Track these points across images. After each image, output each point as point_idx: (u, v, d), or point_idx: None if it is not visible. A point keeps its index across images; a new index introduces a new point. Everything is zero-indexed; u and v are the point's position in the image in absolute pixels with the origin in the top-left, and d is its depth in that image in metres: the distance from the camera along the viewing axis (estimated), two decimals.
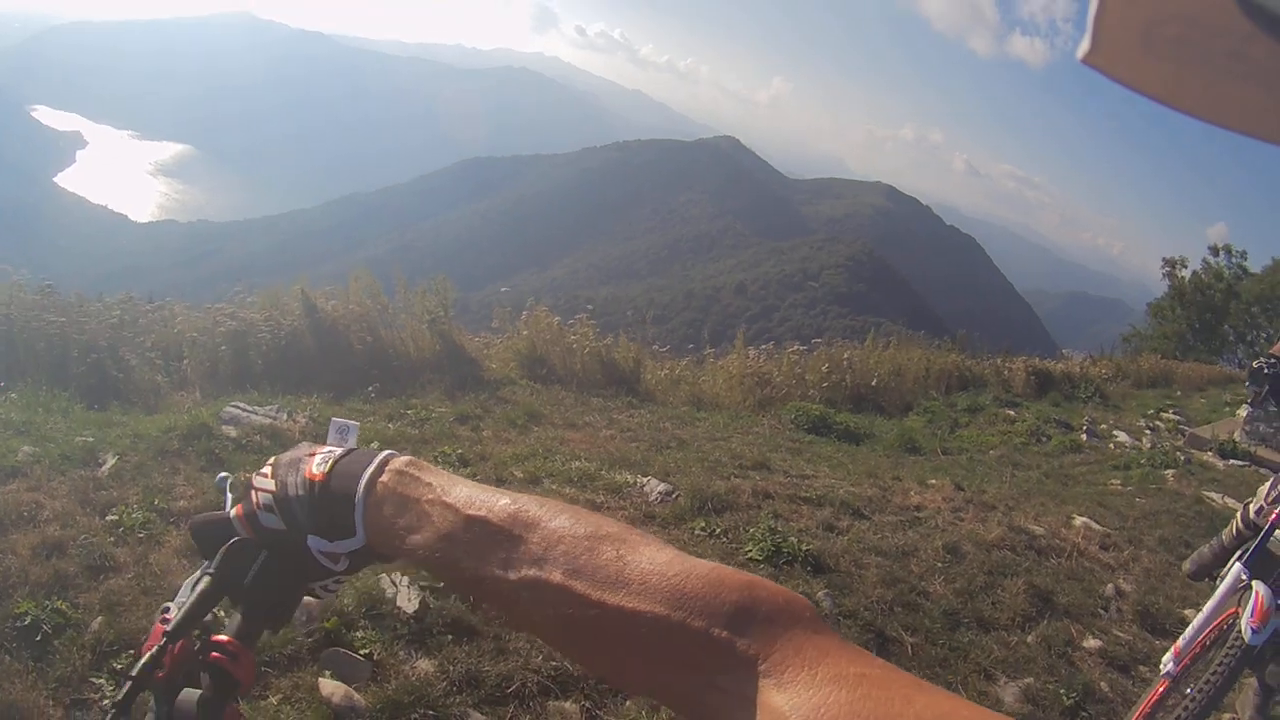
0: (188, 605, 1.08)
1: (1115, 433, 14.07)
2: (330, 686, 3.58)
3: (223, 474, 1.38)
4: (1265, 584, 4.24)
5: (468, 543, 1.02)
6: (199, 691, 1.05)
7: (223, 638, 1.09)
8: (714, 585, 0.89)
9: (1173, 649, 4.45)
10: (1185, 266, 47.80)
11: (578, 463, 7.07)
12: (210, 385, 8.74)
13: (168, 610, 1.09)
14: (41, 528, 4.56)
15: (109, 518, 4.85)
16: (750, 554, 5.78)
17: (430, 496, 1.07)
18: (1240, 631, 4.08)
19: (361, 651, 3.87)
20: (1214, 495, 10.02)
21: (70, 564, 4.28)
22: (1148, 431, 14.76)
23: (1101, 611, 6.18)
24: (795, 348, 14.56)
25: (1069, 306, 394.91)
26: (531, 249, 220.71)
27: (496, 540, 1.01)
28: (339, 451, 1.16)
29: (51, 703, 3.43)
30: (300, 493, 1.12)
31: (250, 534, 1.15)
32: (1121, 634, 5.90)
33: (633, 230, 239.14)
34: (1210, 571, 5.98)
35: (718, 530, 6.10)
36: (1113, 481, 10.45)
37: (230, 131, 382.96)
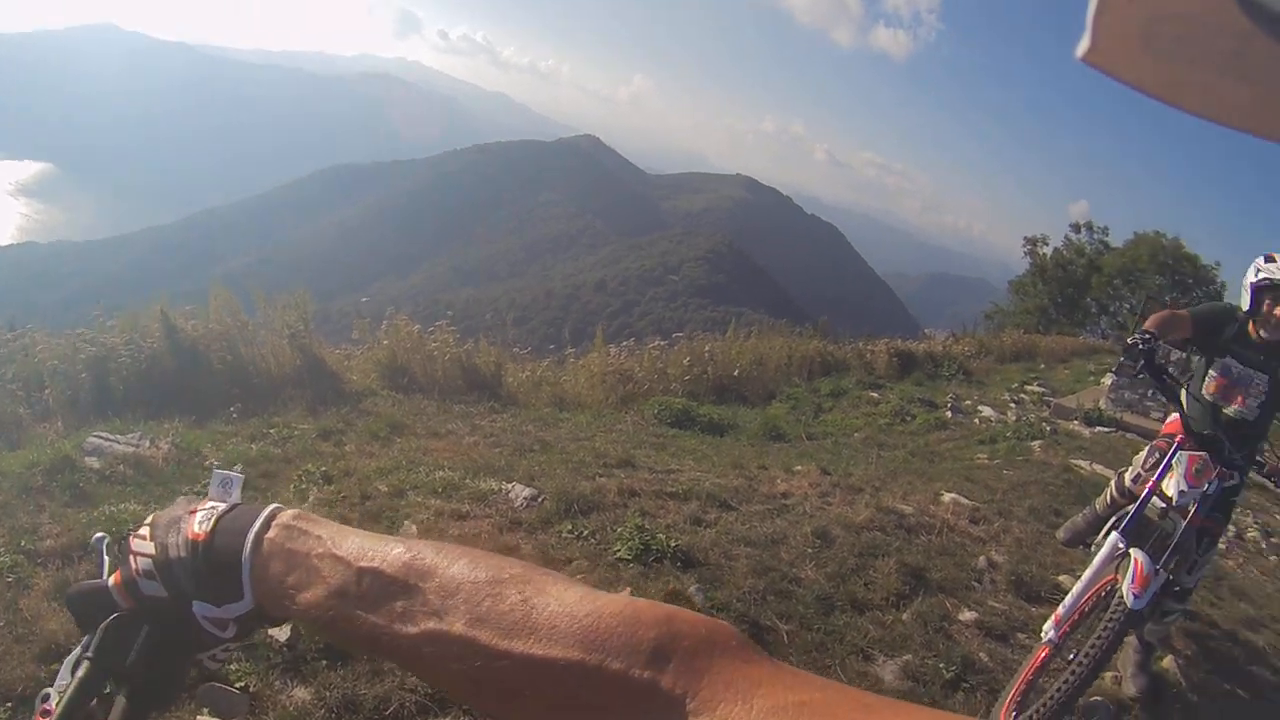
0: (67, 695, 1.00)
1: (980, 408, 14.33)
2: None
3: (99, 534, 1.23)
4: (1142, 550, 4.58)
5: (361, 597, 0.96)
6: None
7: None
8: (629, 622, 0.84)
9: (1053, 616, 4.58)
10: (1047, 244, 49.64)
11: (442, 472, 6.88)
12: (72, 415, 8.39)
13: (48, 699, 1.02)
14: None
15: None
16: (619, 553, 5.68)
17: (319, 550, 1.00)
18: (1122, 597, 4.38)
19: (238, 684, 3.73)
20: (1082, 463, 10.27)
21: None
22: (1012, 405, 15.08)
23: (975, 584, 6.29)
24: (656, 342, 14.50)
25: (931, 288, 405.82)
26: (392, 256, 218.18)
27: (391, 592, 0.94)
28: (222, 507, 1.08)
29: None
30: (182, 554, 1.03)
31: (130, 604, 1.05)
32: (997, 604, 6.03)
33: (493, 233, 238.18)
34: (1084, 539, 6.26)
35: (585, 532, 5.97)
36: (979, 456, 10.61)
37: (93, 148, 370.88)
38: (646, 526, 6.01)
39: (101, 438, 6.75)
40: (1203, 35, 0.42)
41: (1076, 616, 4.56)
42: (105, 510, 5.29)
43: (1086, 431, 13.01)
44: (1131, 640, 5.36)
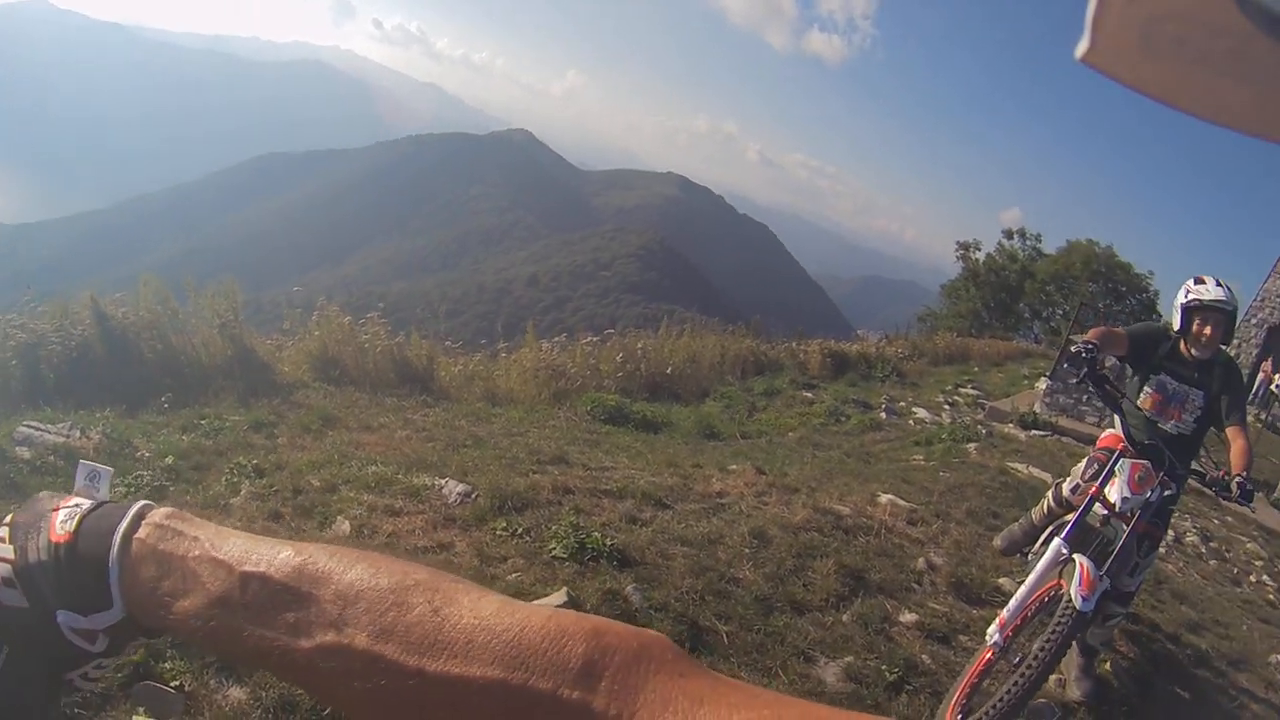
0: None
1: (914, 409, 14.46)
2: None
3: None
4: (1086, 555, 4.69)
5: (246, 606, 0.84)
6: None
7: None
8: (555, 637, 0.76)
9: (998, 620, 4.65)
10: (979, 249, 50.59)
11: (375, 467, 6.76)
12: (3, 403, 8.16)
13: None
14: None
15: None
16: (554, 552, 5.58)
17: (196, 553, 0.88)
18: (1070, 601, 4.47)
19: (173, 683, 3.58)
20: (1019, 466, 10.38)
21: None
22: (947, 407, 15.22)
23: (915, 586, 6.31)
24: (589, 338, 14.48)
25: (863, 290, 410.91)
26: (324, 246, 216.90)
27: (281, 601, 0.83)
28: (87, 504, 0.94)
29: None
30: (44, 558, 0.89)
31: None
32: (937, 606, 6.05)
33: (425, 224, 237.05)
34: (1021, 548, 6.38)
35: (520, 529, 5.87)
36: (915, 457, 10.66)
37: (25, 128, 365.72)
38: (582, 525, 5.94)
39: (32, 427, 6.58)
40: (1202, 36, 0.41)
41: (1021, 620, 4.61)
42: None
43: (1022, 435, 13.17)
44: (1073, 645, 5.43)
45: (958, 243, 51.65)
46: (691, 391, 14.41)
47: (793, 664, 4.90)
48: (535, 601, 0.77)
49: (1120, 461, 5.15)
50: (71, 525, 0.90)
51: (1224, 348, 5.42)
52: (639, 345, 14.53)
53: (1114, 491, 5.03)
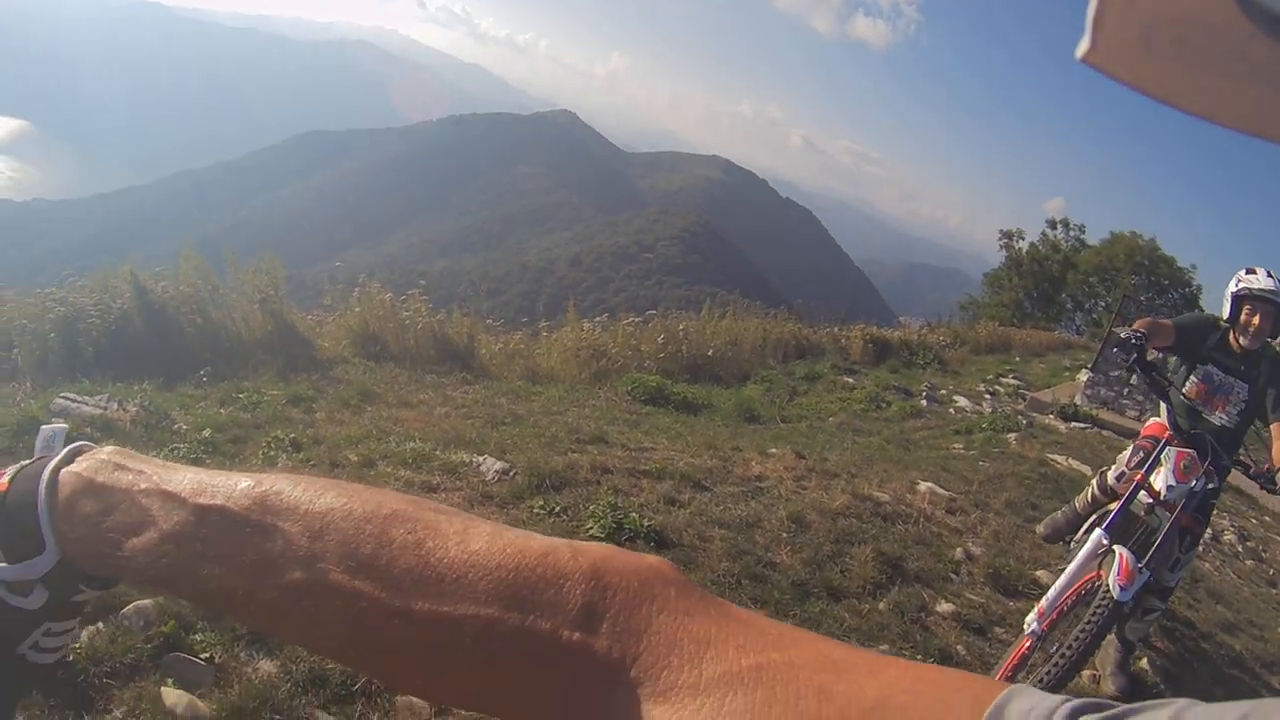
0: None
1: (955, 398, 14.34)
2: (174, 696, 3.35)
3: None
4: (1126, 547, 4.66)
5: (205, 540, 0.76)
6: None
7: None
8: (555, 572, 0.70)
9: (1036, 609, 4.67)
10: (1022, 239, 50.23)
11: (413, 443, 6.75)
12: (41, 375, 8.19)
13: None
14: None
15: None
16: (591, 531, 5.58)
17: (143, 485, 0.80)
18: (1109, 590, 4.44)
19: (202, 655, 3.57)
20: (1058, 458, 10.26)
21: None
22: (987, 396, 15.11)
23: (952, 575, 6.25)
24: (630, 319, 14.43)
25: (906, 277, 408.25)
26: (366, 224, 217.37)
27: (243, 535, 0.75)
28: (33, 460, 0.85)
29: None
30: None
31: None
32: (974, 597, 6.00)
33: (468, 204, 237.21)
34: (1063, 535, 6.31)
35: (557, 508, 5.88)
36: (955, 446, 10.59)
37: (68, 106, 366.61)
38: (619, 505, 5.96)
39: (69, 399, 6.58)
40: (1203, 36, 0.40)
41: (1060, 610, 4.61)
42: None
43: (1062, 426, 13.06)
44: (1111, 639, 5.44)
45: (1001, 231, 51.33)
46: (732, 374, 14.35)
47: None
48: None
49: (1166, 449, 5.11)
50: (6, 478, 0.83)
51: (1271, 341, 5.39)
52: (681, 327, 14.48)
53: (1159, 479, 5.01)
